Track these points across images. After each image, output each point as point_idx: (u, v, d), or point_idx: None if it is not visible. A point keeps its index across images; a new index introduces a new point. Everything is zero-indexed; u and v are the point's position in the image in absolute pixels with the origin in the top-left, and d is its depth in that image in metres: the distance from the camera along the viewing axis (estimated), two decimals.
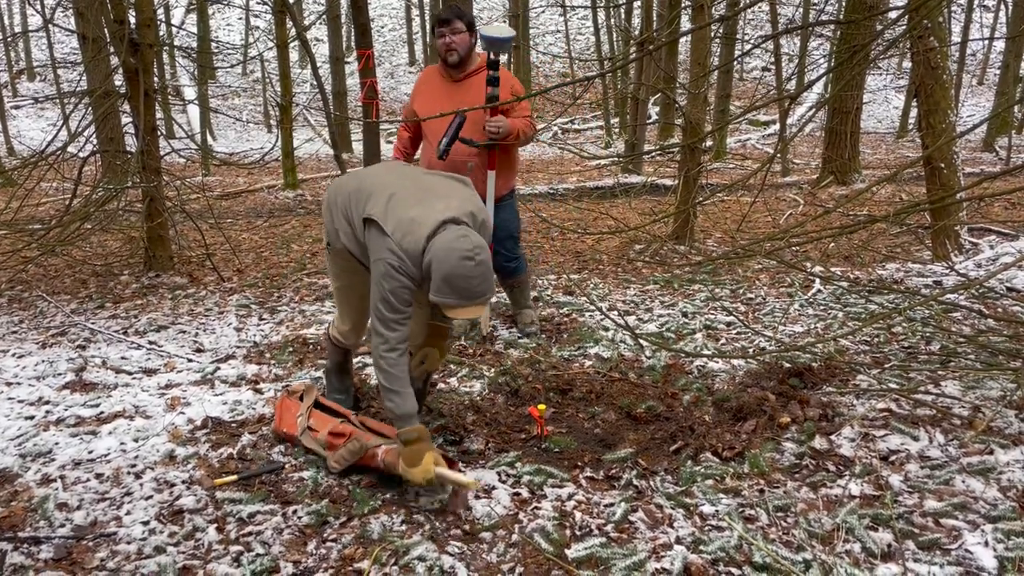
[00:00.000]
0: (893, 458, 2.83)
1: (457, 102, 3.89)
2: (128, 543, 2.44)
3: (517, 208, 4.40)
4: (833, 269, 5.72)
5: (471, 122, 3.92)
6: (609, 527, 2.47)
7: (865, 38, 6.81)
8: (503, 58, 3.96)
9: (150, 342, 4.49)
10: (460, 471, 2.72)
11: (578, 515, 2.54)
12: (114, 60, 6.55)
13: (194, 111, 19.70)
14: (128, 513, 2.61)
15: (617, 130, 18.49)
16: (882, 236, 6.92)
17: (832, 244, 6.38)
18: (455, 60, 3.95)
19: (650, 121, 16.21)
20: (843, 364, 3.70)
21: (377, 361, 2.68)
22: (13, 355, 4.32)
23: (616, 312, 4.79)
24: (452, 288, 2.51)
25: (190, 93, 21.04)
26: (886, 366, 3.70)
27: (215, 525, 2.53)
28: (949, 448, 2.86)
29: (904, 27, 5.59)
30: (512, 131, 3.93)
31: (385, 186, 2.80)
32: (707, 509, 2.55)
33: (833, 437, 2.99)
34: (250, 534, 2.48)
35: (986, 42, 23.73)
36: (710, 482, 2.72)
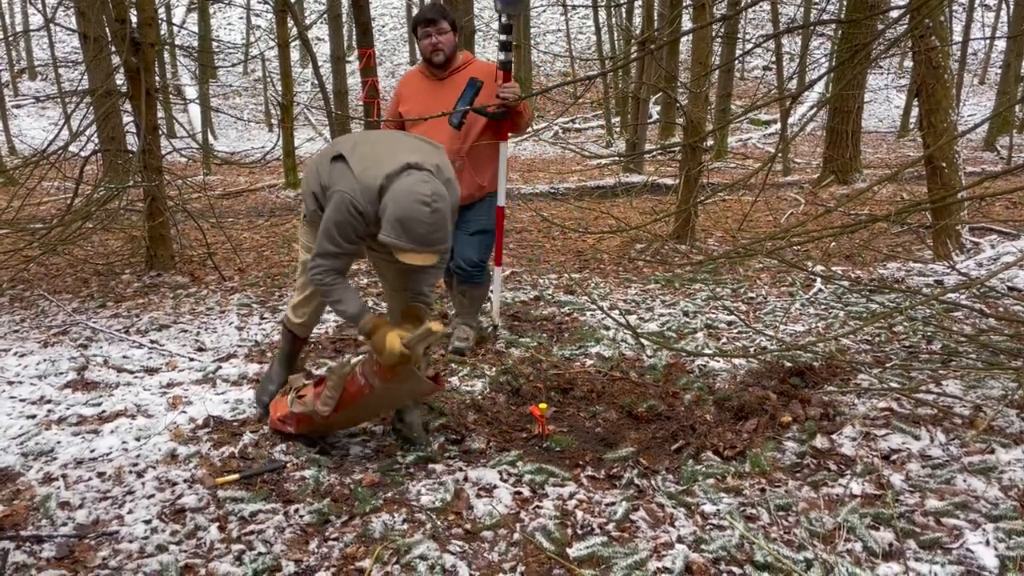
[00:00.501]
0: (894, 457, 2.83)
1: (445, 101, 3.84)
2: (130, 542, 2.44)
3: (495, 211, 4.09)
4: (834, 268, 5.72)
5: (452, 128, 3.85)
6: (610, 526, 2.47)
7: (866, 37, 6.81)
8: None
9: (152, 341, 4.49)
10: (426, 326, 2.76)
11: (579, 514, 2.54)
12: (115, 59, 6.54)
13: (195, 110, 19.73)
14: (130, 512, 2.61)
15: (618, 129, 18.49)
16: (883, 235, 6.92)
17: (833, 243, 6.38)
18: (441, 60, 3.89)
19: (651, 120, 16.21)
20: (844, 363, 3.70)
21: (313, 281, 2.88)
22: (15, 354, 4.33)
23: (617, 311, 4.79)
24: (405, 231, 2.54)
25: (191, 92, 21.07)
26: (887, 365, 3.70)
27: (217, 524, 2.53)
28: (950, 447, 2.86)
29: (905, 26, 5.59)
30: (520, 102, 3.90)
31: (359, 136, 3.00)
32: (708, 508, 2.55)
33: (834, 436, 2.99)
34: (252, 533, 2.49)
35: (987, 41, 23.70)
36: (711, 481, 2.72)
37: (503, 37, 3.87)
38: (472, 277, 4.05)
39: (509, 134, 4.05)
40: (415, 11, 26.32)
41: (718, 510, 2.53)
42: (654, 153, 12.70)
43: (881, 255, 6.12)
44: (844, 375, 3.61)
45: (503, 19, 3.88)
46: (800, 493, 2.63)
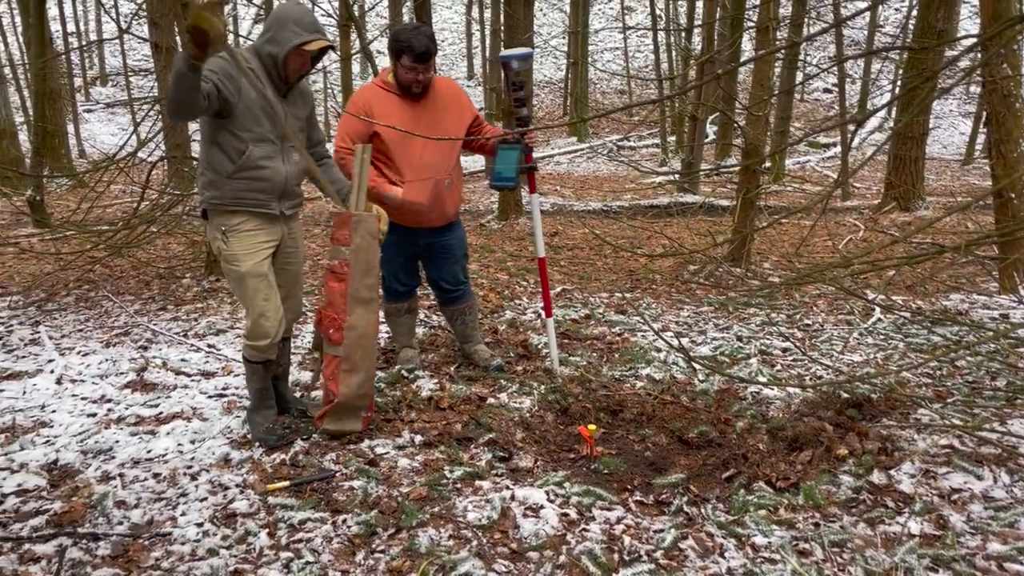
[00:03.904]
0: (955, 497, 2.74)
1: (428, 120, 3.78)
2: (182, 544, 2.48)
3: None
4: (894, 298, 5.58)
5: (441, 147, 3.80)
6: (658, 553, 2.44)
7: (933, 63, 6.66)
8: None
9: (209, 345, 4.58)
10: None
11: (627, 539, 2.51)
12: None
13: None
14: (183, 514, 2.67)
15: (673, 148, 18.35)
16: (948, 266, 6.73)
17: (893, 272, 6.23)
18: (419, 92, 3.79)
19: (707, 140, 16.06)
20: (904, 397, 3.60)
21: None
22: (78, 353, 4.46)
23: (669, 333, 4.74)
24: (302, 25, 3.09)
25: None
26: (949, 400, 3.59)
27: (267, 530, 2.56)
28: (1015, 489, 2.76)
29: (975, 54, 5.46)
30: None
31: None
32: (760, 540, 2.50)
33: (892, 472, 2.91)
34: (300, 541, 2.51)
35: None
36: (763, 512, 2.66)
37: (518, 94, 3.87)
38: (465, 293, 4.21)
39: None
40: (474, 27, 26.56)
41: (770, 543, 2.48)
42: (711, 173, 12.59)
43: (944, 286, 5.96)
44: (903, 409, 3.51)
45: (514, 77, 3.83)
46: (856, 529, 2.56)
